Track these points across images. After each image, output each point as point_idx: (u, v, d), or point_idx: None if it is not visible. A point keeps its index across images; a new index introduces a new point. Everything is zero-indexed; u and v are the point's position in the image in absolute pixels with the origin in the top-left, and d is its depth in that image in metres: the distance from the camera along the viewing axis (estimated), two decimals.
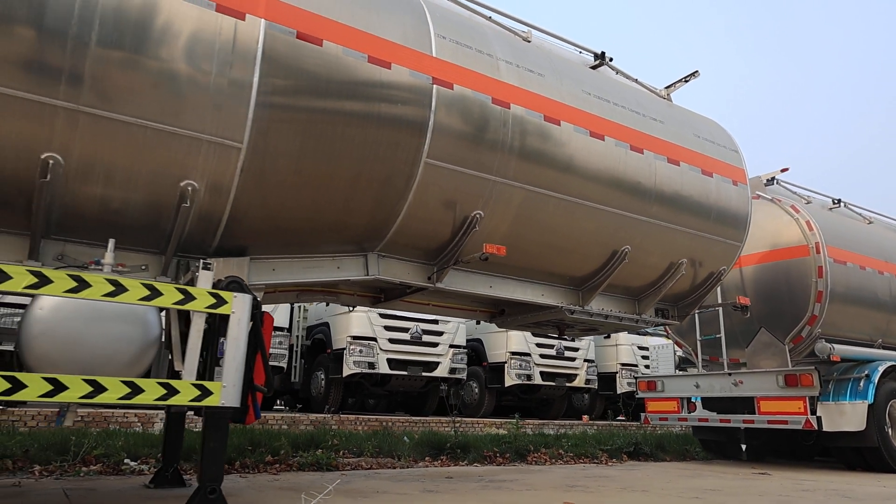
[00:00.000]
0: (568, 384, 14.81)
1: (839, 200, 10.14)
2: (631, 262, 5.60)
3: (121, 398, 2.94)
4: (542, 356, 14.50)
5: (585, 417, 14.49)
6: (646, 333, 16.11)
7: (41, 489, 4.60)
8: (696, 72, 6.99)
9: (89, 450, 5.73)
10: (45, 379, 2.81)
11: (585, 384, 15.13)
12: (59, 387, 2.83)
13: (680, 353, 10.24)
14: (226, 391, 3.24)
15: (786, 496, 5.28)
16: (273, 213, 4.03)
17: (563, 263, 5.44)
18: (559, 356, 14.75)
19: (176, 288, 3.22)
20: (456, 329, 13.23)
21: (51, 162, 3.27)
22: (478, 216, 4.69)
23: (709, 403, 9.04)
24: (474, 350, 14.55)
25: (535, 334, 15.14)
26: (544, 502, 4.55)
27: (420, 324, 12.65)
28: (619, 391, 16.15)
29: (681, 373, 9.58)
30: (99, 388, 2.91)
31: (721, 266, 6.24)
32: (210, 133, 3.58)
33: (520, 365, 14.06)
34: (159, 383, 3.06)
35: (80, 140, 3.31)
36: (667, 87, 7.17)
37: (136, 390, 2.99)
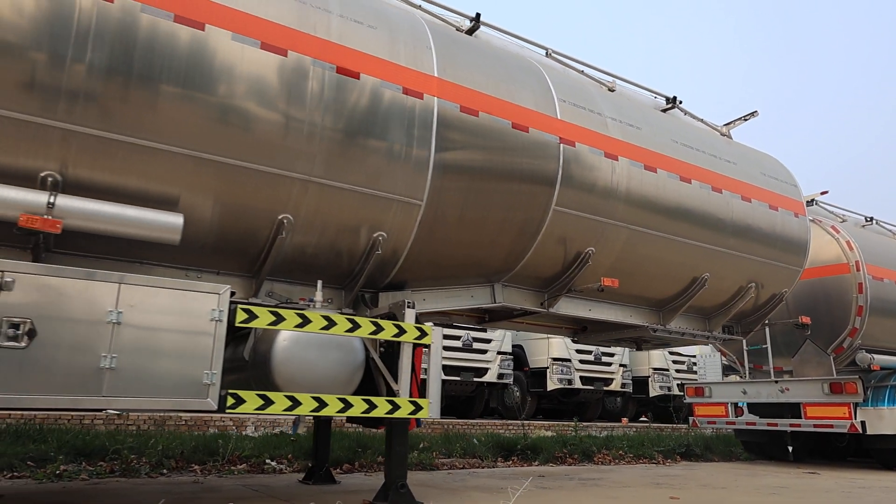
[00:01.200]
0: (605, 388, 15.62)
1: (871, 218, 10.91)
2: (708, 286, 6.39)
3: (362, 413, 3.73)
4: (582, 361, 15.30)
5: (625, 420, 15.26)
6: None
7: (219, 485, 5.40)
8: (756, 112, 7.77)
9: (231, 451, 6.54)
10: (312, 398, 3.60)
11: (621, 388, 15.93)
12: (321, 404, 3.62)
13: (724, 361, 11.03)
14: (431, 406, 4.04)
15: (848, 492, 6.05)
16: (436, 255, 4.83)
17: (652, 289, 6.23)
18: (597, 361, 15.55)
19: (393, 324, 4.02)
20: (503, 337, 14.05)
21: (285, 221, 4.08)
22: (590, 252, 5.49)
23: (754, 408, 9.82)
24: (516, 356, 15.32)
25: (574, 341, 16.05)
26: (651, 497, 5.33)
27: (471, 332, 13.47)
28: (651, 394, 16.95)
29: (728, 380, 10.35)
30: (347, 405, 3.70)
31: (783, 288, 7.02)
32: (399, 193, 4.38)
33: (561, 370, 14.86)
34: (387, 401, 3.86)
35: (306, 203, 4.11)
36: (726, 125, 7.97)
37: (372, 406, 3.79)
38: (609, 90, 6.61)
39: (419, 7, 5.59)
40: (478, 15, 5.82)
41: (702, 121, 7.56)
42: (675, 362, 17.38)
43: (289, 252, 4.31)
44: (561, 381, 14.79)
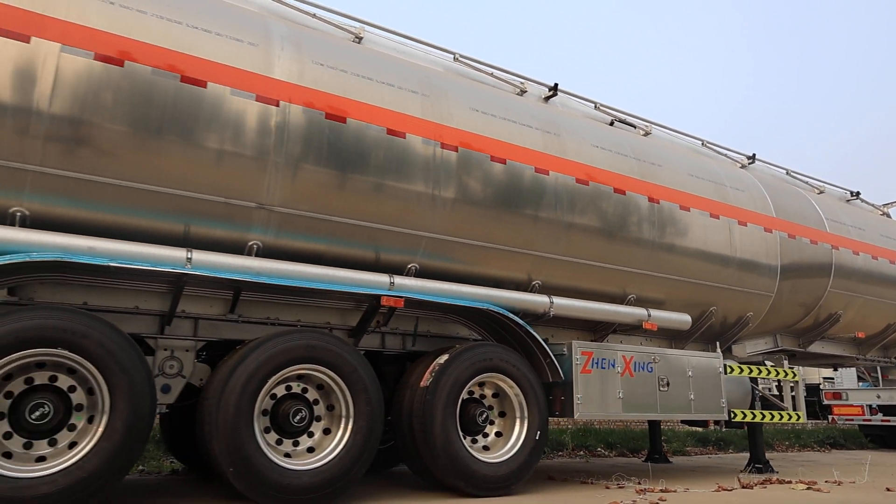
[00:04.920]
0: None
1: None
2: None
3: (770, 420, 6.81)
4: None
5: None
6: None
7: (596, 464, 8.46)
8: None
9: (567, 442, 9.64)
10: (740, 412, 6.68)
11: None
12: (734, 414, 6.71)
13: (857, 371, 14.09)
14: (803, 414, 7.12)
15: None
16: (765, 322, 7.89)
17: (864, 332, 9.28)
18: None
19: (783, 370, 7.09)
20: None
21: (713, 311, 7.14)
22: (840, 313, 8.54)
23: (883, 408, 12.88)
24: None
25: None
26: (886, 473, 8.36)
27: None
28: None
29: (863, 386, 13.42)
30: (745, 415, 6.78)
31: None
32: (762, 290, 7.44)
33: None
34: (787, 413, 6.94)
35: (720, 299, 7.17)
36: (885, 205, 11.00)
37: (772, 417, 6.87)
38: (819, 192, 9.67)
39: (723, 156, 8.64)
40: (754, 155, 8.86)
41: (872, 205, 10.59)
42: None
43: (704, 327, 7.38)
44: None
